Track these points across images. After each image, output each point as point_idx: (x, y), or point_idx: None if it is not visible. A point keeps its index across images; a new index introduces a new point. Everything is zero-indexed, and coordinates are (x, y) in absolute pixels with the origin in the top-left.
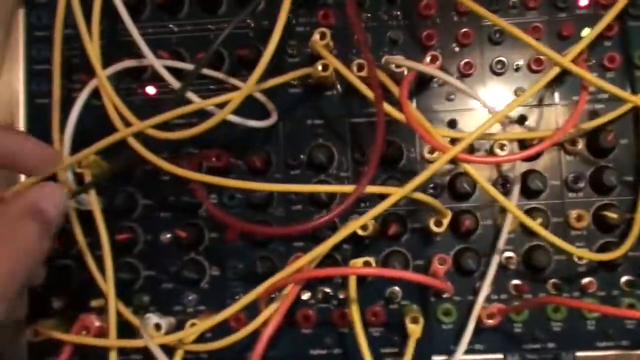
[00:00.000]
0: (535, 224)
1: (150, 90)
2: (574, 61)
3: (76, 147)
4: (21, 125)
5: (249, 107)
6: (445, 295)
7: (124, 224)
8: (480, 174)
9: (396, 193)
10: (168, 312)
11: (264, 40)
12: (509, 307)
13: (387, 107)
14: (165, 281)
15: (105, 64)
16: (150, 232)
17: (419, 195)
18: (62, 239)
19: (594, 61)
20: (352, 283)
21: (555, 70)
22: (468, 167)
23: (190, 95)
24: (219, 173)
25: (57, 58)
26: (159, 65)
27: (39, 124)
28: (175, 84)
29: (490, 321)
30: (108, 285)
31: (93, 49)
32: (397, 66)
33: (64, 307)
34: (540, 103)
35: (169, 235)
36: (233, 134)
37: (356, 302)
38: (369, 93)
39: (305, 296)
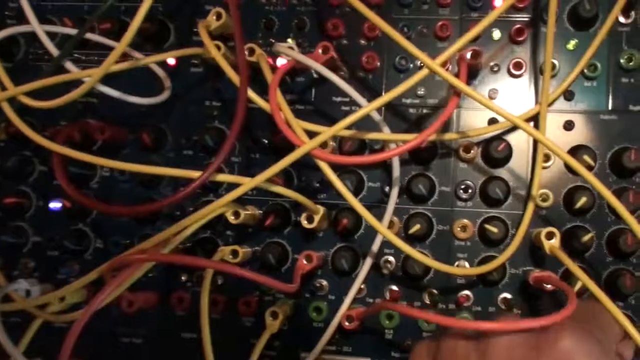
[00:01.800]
0: (393, 236)
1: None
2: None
3: None
4: None
5: (147, 82)
6: (319, 293)
7: (19, 188)
8: (371, 173)
9: (246, 184)
10: (51, 280)
11: (173, 15)
12: (364, 310)
13: (252, 95)
14: (51, 249)
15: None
16: (43, 199)
17: (280, 190)
18: None
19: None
20: (208, 275)
21: (425, 72)
22: (322, 165)
23: (69, 65)
24: (113, 147)
25: None
26: (40, 31)
27: None
28: (54, 51)
29: (347, 324)
30: None
31: None
32: (286, 55)
33: None
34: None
35: (59, 204)
36: (129, 109)
37: (207, 292)
38: (235, 77)
39: (183, 278)
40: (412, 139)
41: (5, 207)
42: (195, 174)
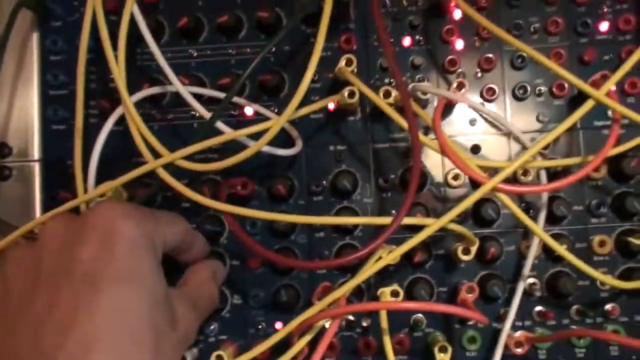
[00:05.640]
0: (564, 251)
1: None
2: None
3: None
4: (35, 152)
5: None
6: (470, 323)
7: None
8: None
9: (433, 225)
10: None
11: (285, 65)
12: (536, 336)
13: (423, 138)
14: None
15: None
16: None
17: (453, 226)
18: None
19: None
20: (384, 316)
21: (591, 104)
22: (504, 197)
23: (220, 124)
24: (241, 199)
25: (80, 84)
26: (185, 92)
27: (55, 151)
28: (202, 111)
29: (518, 350)
30: None
31: (120, 74)
32: (424, 93)
33: None
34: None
35: None
36: (255, 161)
37: (388, 333)
38: (403, 122)
39: (328, 324)
40: (585, 167)
41: None
42: (384, 220)
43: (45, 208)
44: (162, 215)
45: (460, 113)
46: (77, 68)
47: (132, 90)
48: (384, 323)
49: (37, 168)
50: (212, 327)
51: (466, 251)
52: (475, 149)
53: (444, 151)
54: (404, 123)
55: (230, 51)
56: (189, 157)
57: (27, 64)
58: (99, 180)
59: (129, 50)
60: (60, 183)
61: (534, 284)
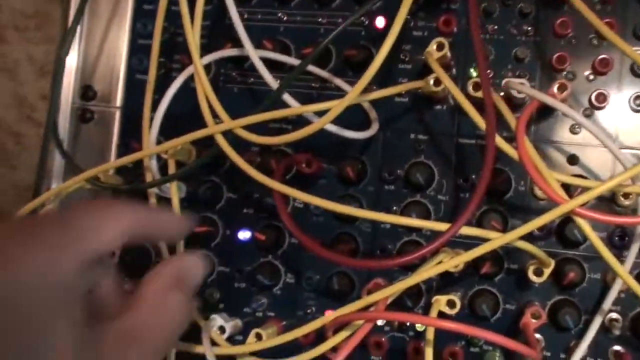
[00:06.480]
0: None
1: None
2: None
3: (167, 128)
4: (118, 99)
5: (349, 112)
6: None
7: (206, 215)
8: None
9: (497, 239)
10: (237, 313)
11: (376, 41)
12: None
13: (500, 141)
14: (238, 280)
15: (209, 45)
16: (230, 227)
17: (521, 244)
18: None
19: None
20: (430, 332)
21: None
22: (582, 222)
23: (287, 97)
24: (309, 177)
25: (156, 39)
26: (256, 58)
27: (135, 100)
28: (271, 81)
29: None
30: None
31: (193, 37)
32: (519, 91)
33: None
34: None
35: (249, 235)
36: (328, 138)
37: (431, 345)
38: (481, 122)
39: (381, 322)
40: None
41: (194, 236)
42: (441, 226)
43: (119, 154)
44: (78, 229)
45: (562, 117)
46: (155, 23)
47: (214, 48)
48: (430, 335)
49: (117, 115)
50: (261, 301)
51: (539, 272)
52: (573, 160)
53: (521, 160)
54: (481, 122)
55: (320, 20)
56: (261, 125)
57: (121, 9)
58: (173, 135)
59: (219, 5)
60: (136, 133)
61: (615, 320)
